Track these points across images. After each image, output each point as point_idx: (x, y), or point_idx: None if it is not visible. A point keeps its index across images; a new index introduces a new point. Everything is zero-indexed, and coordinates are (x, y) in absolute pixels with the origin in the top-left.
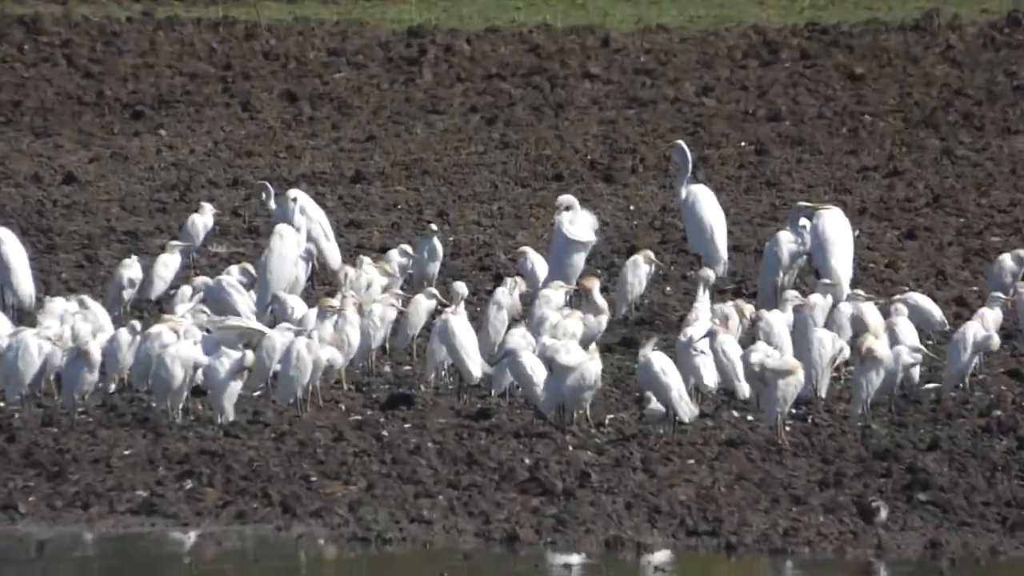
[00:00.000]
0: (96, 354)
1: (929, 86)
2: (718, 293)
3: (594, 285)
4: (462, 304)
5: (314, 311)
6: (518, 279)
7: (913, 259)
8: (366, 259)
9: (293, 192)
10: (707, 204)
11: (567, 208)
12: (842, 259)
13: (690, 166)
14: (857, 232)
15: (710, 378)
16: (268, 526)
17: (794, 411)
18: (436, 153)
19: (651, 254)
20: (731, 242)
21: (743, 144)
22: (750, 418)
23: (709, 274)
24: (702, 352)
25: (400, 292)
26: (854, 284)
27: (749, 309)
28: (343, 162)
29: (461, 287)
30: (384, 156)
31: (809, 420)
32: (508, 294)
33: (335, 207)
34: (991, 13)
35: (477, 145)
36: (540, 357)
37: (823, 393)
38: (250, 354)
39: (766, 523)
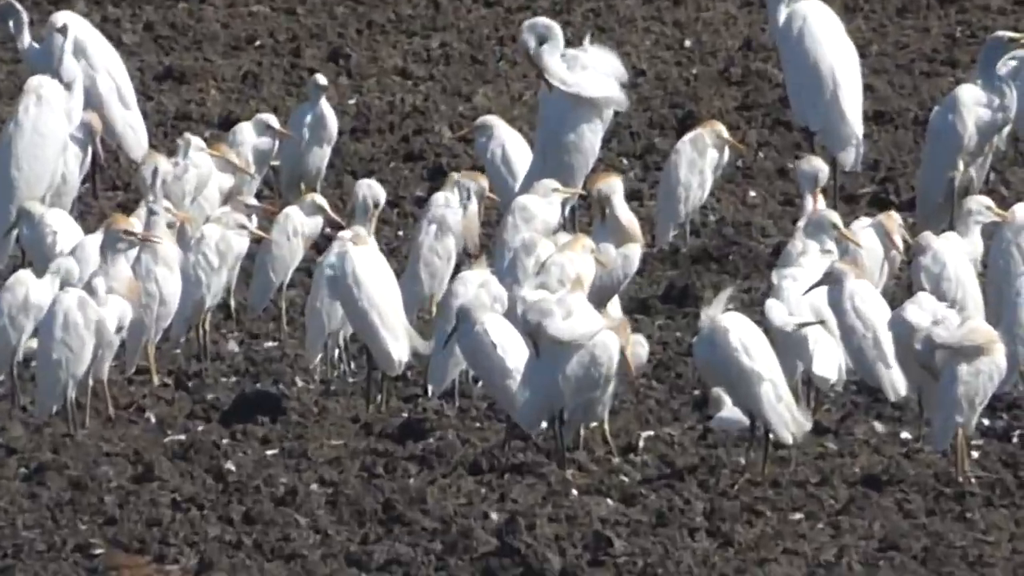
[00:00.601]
0: None
1: None
2: (844, 202)
3: (616, 190)
4: (372, 224)
5: (96, 238)
6: (474, 178)
7: None
8: (194, 139)
9: (61, 16)
10: (826, 37)
11: (540, 40)
12: None
13: None
14: None
15: (828, 364)
16: None
17: (986, 422)
18: None
19: (721, 129)
20: (868, 107)
21: None
22: (906, 435)
23: (822, 168)
24: (813, 317)
25: (256, 203)
26: None
27: (901, 231)
28: None
29: (369, 190)
30: None
31: (1016, 439)
32: (455, 204)
33: (141, 42)
34: None
35: None
36: (516, 324)
37: None
38: None
39: None
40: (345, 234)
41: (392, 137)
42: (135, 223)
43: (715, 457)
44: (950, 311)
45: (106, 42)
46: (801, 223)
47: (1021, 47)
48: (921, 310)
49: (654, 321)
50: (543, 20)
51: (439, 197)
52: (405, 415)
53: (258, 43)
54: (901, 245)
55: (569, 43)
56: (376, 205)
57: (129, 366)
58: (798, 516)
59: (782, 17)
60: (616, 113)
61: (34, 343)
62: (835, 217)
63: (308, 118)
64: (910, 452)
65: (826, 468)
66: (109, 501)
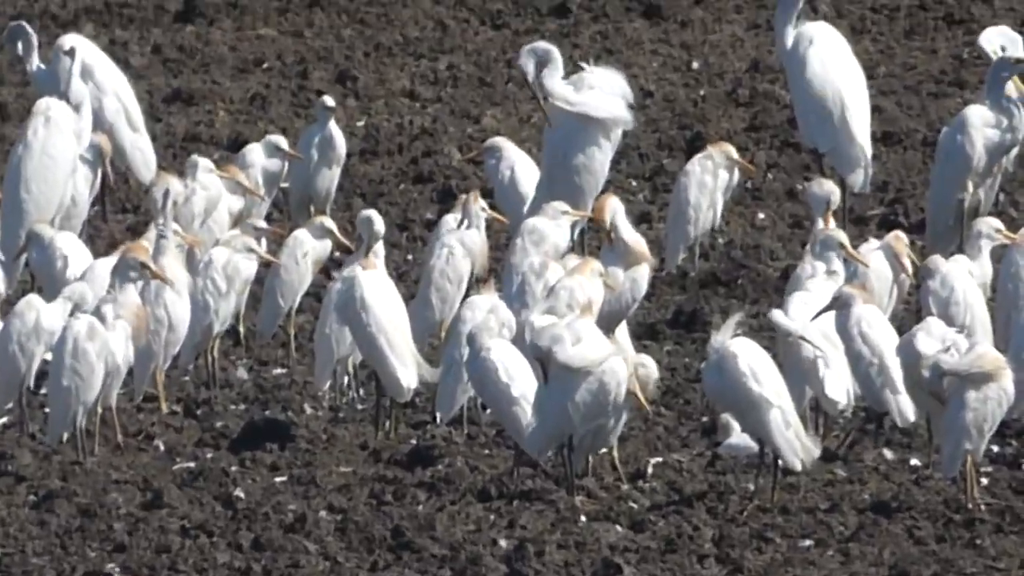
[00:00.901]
0: None
1: None
2: (853, 224)
3: (615, 210)
4: (380, 249)
5: (107, 261)
6: (479, 202)
7: None
8: (203, 161)
9: (69, 39)
10: (833, 59)
11: (540, 64)
12: None
13: None
14: None
15: (839, 387)
16: None
17: (995, 448)
18: None
19: (730, 149)
20: (875, 128)
21: None
22: (915, 462)
23: (834, 191)
24: (821, 341)
25: (265, 225)
26: None
27: (909, 254)
28: None
29: (375, 220)
30: None
31: None
32: (465, 227)
33: (149, 65)
34: None
35: None
36: (524, 349)
37: None
38: None
39: None
40: (356, 258)
41: (401, 159)
42: (145, 246)
43: (724, 483)
44: (959, 336)
45: (113, 65)
46: (809, 245)
47: None
48: (929, 336)
49: (662, 347)
50: (541, 44)
51: (449, 220)
52: (414, 442)
53: (266, 65)
54: (910, 268)
55: (577, 65)
56: (378, 235)
57: (138, 393)
58: (808, 543)
59: (789, 39)
60: (625, 134)
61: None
62: (842, 236)
63: (316, 140)
64: (919, 478)
65: (835, 494)
66: (118, 528)
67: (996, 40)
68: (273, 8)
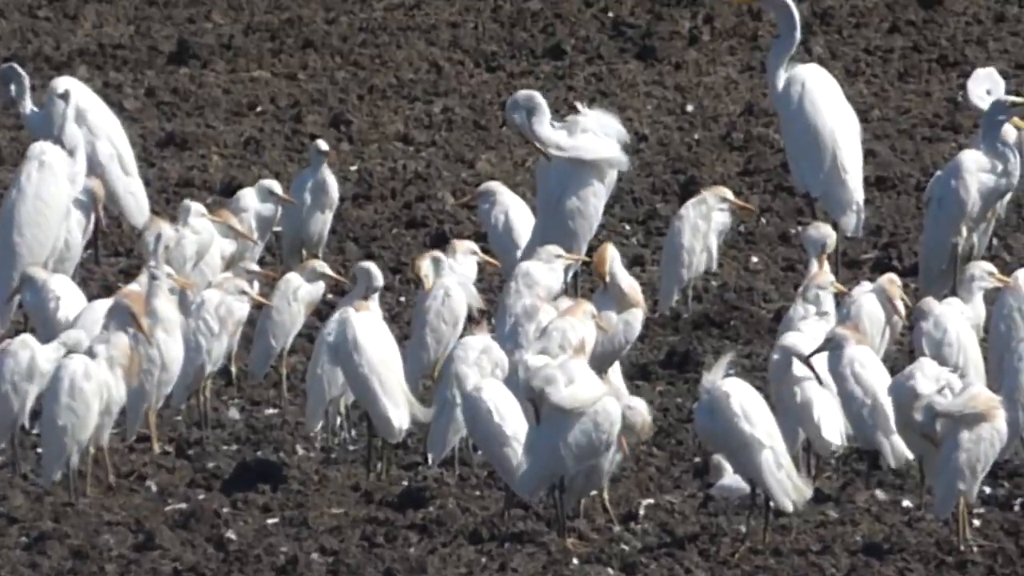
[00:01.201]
0: None
1: None
2: (847, 268)
3: (613, 257)
4: (375, 293)
5: (101, 305)
6: (470, 248)
7: None
8: (195, 205)
9: (63, 82)
10: (826, 102)
11: (528, 113)
12: None
13: (797, 31)
14: None
15: (832, 428)
16: None
17: (988, 490)
18: (327, 10)
19: (726, 192)
20: (869, 172)
21: None
22: (907, 503)
23: (826, 233)
24: (815, 380)
25: (257, 268)
26: None
27: (902, 296)
28: (155, 26)
29: (373, 272)
30: (229, 15)
31: (1018, 507)
32: (458, 270)
33: (142, 108)
34: None
35: None
36: (516, 390)
37: None
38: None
39: None
40: (350, 301)
41: (394, 203)
42: (138, 289)
43: (716, 525)
44: (952, 376)
45: (107, 108)
46: (806, 287)
47: (1022, 110)
48: (922, 377)
49: (655, 387)
50: (523, 93)
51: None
52: (405, 483)
53: (259, 109)
54: (903, 310)
55: (571, 108)
56: (374, 280)
57: (130, 433)
58: None
59: (781, 82)
60: (619, 176)
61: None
62: (831, 277)
63: (310, 184)
64: (912, 520)
65: (827, 536)
66: (110, 570)
67: (983, 85)
68: (267, 50)
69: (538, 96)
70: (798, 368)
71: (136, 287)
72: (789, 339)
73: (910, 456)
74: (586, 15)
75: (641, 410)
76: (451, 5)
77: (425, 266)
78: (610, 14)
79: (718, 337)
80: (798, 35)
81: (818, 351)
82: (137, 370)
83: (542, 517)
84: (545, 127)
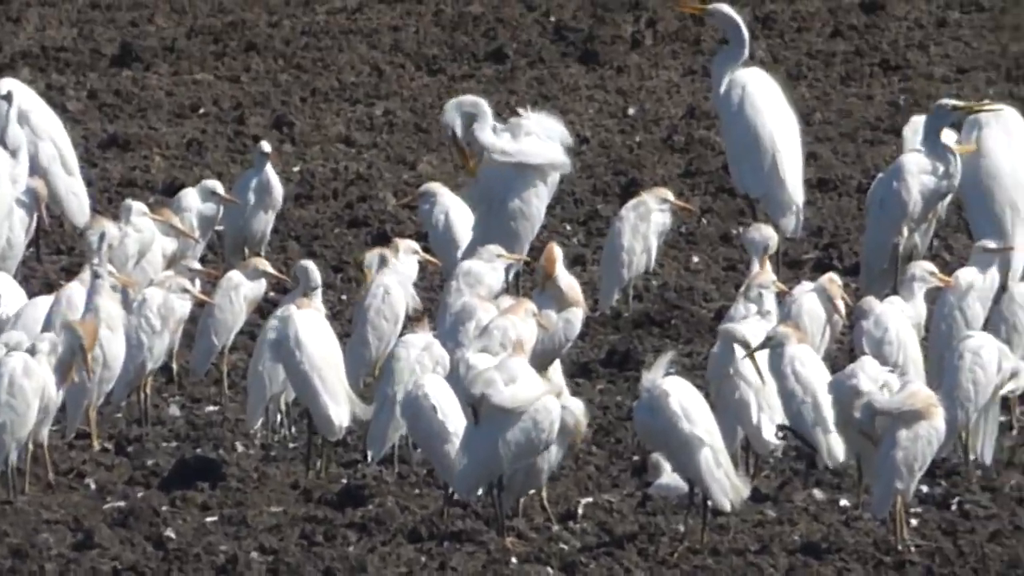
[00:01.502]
0: None
1: None
2: (788, 268)
3: (556, 257)
4: (317, 292)
5: (42, 302)
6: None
7: None
8: (136, 204)
9: (5, 83)
10: (766, 105)
11: (468, 120)
12: (1019, 206)
13: (744, 37)
14: None
15: (770, 428)
16: None
17: (925, 489)
18: (270, 13)
19: (666, 193)
20: (811, 174)
21: None
22: (845, 503)
23: (768, 235)
24: (755, 379)
25: (199, 267)
26: None
27: (843, 296)
28: (98, 28)
29: (311, 270)
30: (172, 18)
31: (955, 506)
32: (399, 270)
33: (85, 110)
34: None
35: None
36: (457, 387)
37: (985, 455)
38: None
39: None
40: (292, 299)
41: (336, 204)
42: (79, 287)
43: (654, 524)
44: (891, 375)
45: (50, 110)
46: (747, 287)
47: (966, 115)
48: (862, 375)
49: (595, 385)
50: (467, 99)
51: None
52: (345, 481)
53: (202, 110)
54: (843, 309)
55: (513, 111)
56: (315, 280)
57: (70, 430)
58: None
59: (724, 84)
60: (561, 178)
61: None
62: (772, 277)
63: (253, 184)
64: (849, 519)
65: (765, 535)
66: (50, 569)
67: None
68: (210, 52)
69: (483, 103)
70: (738, 363)
71: (77, 283)
72: (732, 326)
73: (842, 459)
74: (528, 19)
75: (575, 411)
76: (393, 9)
77: (369, 258)
78: (552, 18)
79: (658, 336)
80: (747, 51)
81: (760, 348)
82: (92, 345)
83: (481, 516)
84: (488, 133)
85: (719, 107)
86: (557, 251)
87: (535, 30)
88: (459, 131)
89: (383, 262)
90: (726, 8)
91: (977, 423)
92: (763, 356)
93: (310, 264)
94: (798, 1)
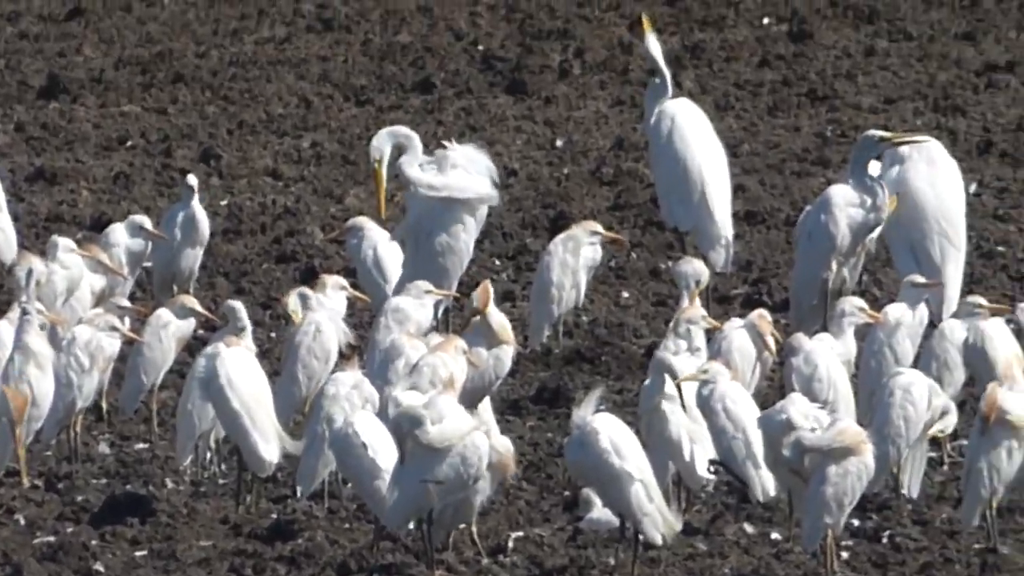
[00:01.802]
0: None
1: None
2: (717, 303)
3: (487, 293)
4: (247, 329)
5: None
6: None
7: None
8: (63, 241)
9: None
10: (695, 137)
11: (398, 151)
12: (949, 238)
13: (664, 69)
14: (973, 188)
15: (702, 463)
16: None
17: (856, 522)
18: (197, 43)
19: (596, 226)
20: (739, 207)
21: (767, 21)
22: (776, 536)
23: (699, 268)
24: (685, 416)
25: (128, 304)
26: (969, 285)
27: (773, 332)
28: (25, 59)
29: (238, 310)
30: (101, 48)
31: (885, 539)
32: (328, 305)
33: (12, 143)
34: None
35: (275, 28)
36: (387, 424)
37: (912, 490)
38: None
39: None
40: (220, 337)
41: (264, 238)
42: (7, 325)
43: (585, 558)
44: (821, 412)
45: None
46: (677, 322)
47: (892, 146)
48: (792, 410)
49: (526, 422)
50: (400, 129)
51: (310, 299)
52: (274, 516)
53: (129, 143)
54: (773, 346)
55: (439, 144)
56: (242, 319)
57: None
58: None
59: (654, 116)
60: (489, 212)
61: None
62: (702, 312)
63: (180, 218)
64: (780, 553)
65: (696, 568)
66: None
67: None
68: (137, 84)
69: (414, 136)
70: (668, 394)
71: (5, 322)
72: (665, 354)
73: (772, 493)
74: (456, 48)
75: (501, 449)
76: (322, 39)
77: (292, 302)
78: (480, 47)
79: (589, 372)
80: (669, 88)
81: (688, 379)
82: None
83: (411, 549)
84: (415, 169)
85: (649, 137)
86: (490, 288)
87: (463, 59)
88: (386, 159)
89: (305, 301)
90: (651, 44)
91: (906, 459)
92: (691, 391)
93: (238, 304)
94: (726, 30)
